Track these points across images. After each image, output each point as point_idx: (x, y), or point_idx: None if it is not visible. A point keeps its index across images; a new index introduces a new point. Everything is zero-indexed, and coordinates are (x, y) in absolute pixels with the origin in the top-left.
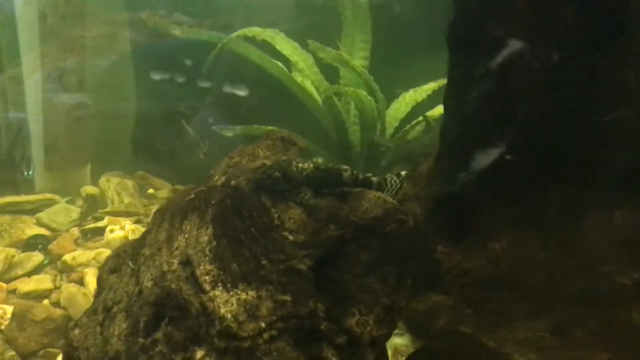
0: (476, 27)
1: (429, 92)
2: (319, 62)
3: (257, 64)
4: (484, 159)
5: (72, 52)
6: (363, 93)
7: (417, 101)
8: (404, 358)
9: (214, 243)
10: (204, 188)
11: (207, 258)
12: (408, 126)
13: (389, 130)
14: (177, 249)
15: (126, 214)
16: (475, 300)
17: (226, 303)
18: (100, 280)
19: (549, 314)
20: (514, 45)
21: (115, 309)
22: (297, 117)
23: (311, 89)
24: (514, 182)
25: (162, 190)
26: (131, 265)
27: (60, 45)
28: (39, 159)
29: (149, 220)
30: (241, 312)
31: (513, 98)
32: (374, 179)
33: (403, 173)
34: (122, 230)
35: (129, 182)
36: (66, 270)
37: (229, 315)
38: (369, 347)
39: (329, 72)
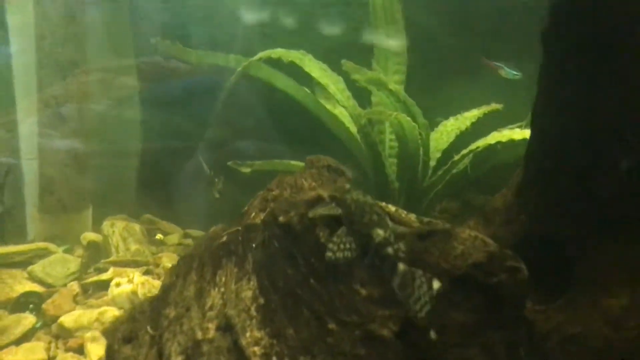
0: (589, 18)
1: (473, 120)
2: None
3: (280, 90)
4: (592, 185)
5: (72, 91)
6: (406, 118)
7: (461, 130)
8: None
9: (261, 300)
10: (239, 228)
11: (254, 321)
12: (456, 157)
13: (431, 163)
14: (211, 308)
15: (133, 263)
16: None
17: None
18: (110, 353)
19: None
20: None
21: None
22: (324, 149)
23: (343, 116)
24: (636, 215)
25: (172, 235)
26: (150, 332)
27: (61, 81)
28: (32, 203)
29: (159, 270)
30: None
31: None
32: (401, 267)
33: (436, 286)
34: (130, 283)
35: (136, 227)
36: (63, 336)
37: None
38: None
39: (357, 99)
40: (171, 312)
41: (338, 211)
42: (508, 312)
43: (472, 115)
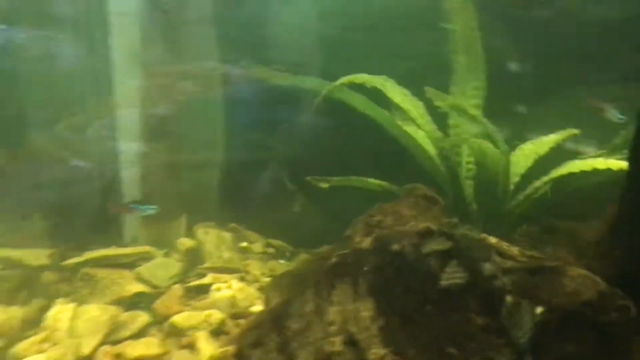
0: None
1: (551, 145)
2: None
3: (361, 112)
4: None
5: (167, 101)
6: (488, 145)
7: (539, 154)
8: None
9: (381, 321)
10: (346, 251)
11: (376, 339)
12: (538, 183)
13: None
14: (332, 324)
15: (227, 270)
16: None
17: None
18: (240, 355)
19: None
20: None
21: None
22: (398, 166)
23: (423, 139)
24: None
25: (256, 244)
26: (277, 339)
27: (156, 94)
28: None
29: (250, 277)
30: None
31: None
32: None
33: (538, 311)
34: (228, 289)
35: (227, 235)
36: (174, 333)
37: None
38: None
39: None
40: (294, 324)
41: (448, 245)
42: (617, 347)
43: (550, 140)
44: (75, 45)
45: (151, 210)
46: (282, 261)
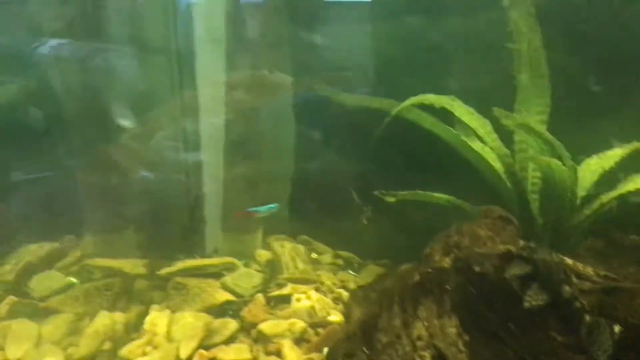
0: None
1: (617, 159)
2: None
3: (427, 129)
4: None
5: (243, 117)
6: (556, 162)
7: (605, 169)
8: None
9: (466, 337)
10: (429, 270)
11: (463, 355)
12: (606, 199)
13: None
14: (419, 338)
15: (303, 281)
16: None
17: None
18: None
19: None
20: None
21: None
22: (464, 183)
23: (489, 155)
24: None
25: (325, 255)
26: (366, 352)
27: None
28: (214, 222)
29: (324, 288)
30: None
31: None
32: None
33: (617, 330)
34: (308, 299)
35: (301, 248)
36: (261, 340)
37: None
38: None
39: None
40: (383, 338)
41: (528, 269)
42: None
43: (615, 154)
44: (146, 62)
45: (273, 207)
46: (350, 272)
